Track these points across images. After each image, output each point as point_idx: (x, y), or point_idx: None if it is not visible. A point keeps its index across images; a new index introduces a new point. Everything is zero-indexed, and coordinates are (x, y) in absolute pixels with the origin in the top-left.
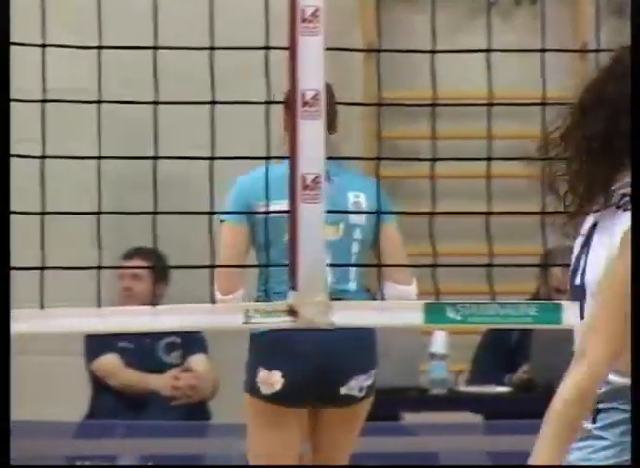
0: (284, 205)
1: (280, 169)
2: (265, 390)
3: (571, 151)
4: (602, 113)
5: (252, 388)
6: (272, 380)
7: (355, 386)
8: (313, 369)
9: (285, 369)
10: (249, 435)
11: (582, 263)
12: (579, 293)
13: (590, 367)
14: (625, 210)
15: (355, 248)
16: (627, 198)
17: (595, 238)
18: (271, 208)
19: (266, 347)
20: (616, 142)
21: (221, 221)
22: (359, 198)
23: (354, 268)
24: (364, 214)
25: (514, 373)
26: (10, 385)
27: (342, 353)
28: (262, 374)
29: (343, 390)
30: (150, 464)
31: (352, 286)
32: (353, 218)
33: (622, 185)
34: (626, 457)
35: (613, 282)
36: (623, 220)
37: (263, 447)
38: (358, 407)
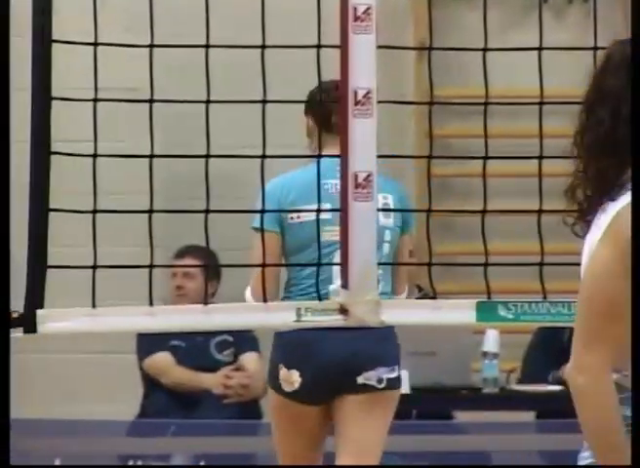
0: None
1: (308, 174)
2: (287, 388)
3: (583, 149)
4: (605, 107)
5: (274, 385)
6: (292, 379)
7: (373, 376)
8: (330, 366)
9: (302, 368)
10: (273, 431)
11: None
12: None
13: (574, 361)
14: (612, 200)
15: (386, 249)
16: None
17: (589, 234)
18: (302, 213)
19: (286, 345)
20: (622, 132)
21: (255, 229)
22: (387, 200)
23: (386, 270)
24: (392, 217)
25: (559, 370)
26: (9, 385)
27: (359, 347)
28: (283, 372)
29: (360, 379)
30: (202, 463)
31: (384, 288)
32: (382, 220)
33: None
34: None
35: (592, 265)
36: (609, 209)
37: (285, 443)
38: (378, 396)
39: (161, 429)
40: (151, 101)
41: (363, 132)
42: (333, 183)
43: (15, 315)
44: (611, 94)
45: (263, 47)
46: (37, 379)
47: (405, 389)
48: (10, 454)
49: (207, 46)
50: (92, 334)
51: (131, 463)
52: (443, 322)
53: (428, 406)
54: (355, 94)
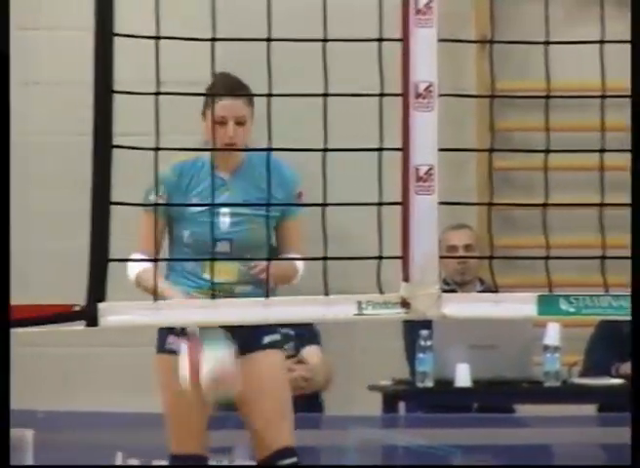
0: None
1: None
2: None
3: None
4: None
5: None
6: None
7: None
8: None
9: None
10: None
11: None
12: None
13: None
14: None
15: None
16: None
17: None
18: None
19: None
20: None
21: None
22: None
23: None
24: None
25: (621, 364)
26: (9, 385)
27: None
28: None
29: None
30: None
31: None
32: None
33: None
34: None
35: None
36: None
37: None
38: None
39: (222, 422)
40: (213, 95)
41: (424, 125)
42: None
43: (76, 308)
44: None
45: (325, 40)
46: (96, 372)
47: (466, 382)
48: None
49: (268, 39)
50: (153, 328)
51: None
52: (504, 315)
53: (489, 399)
54: (416, 87)
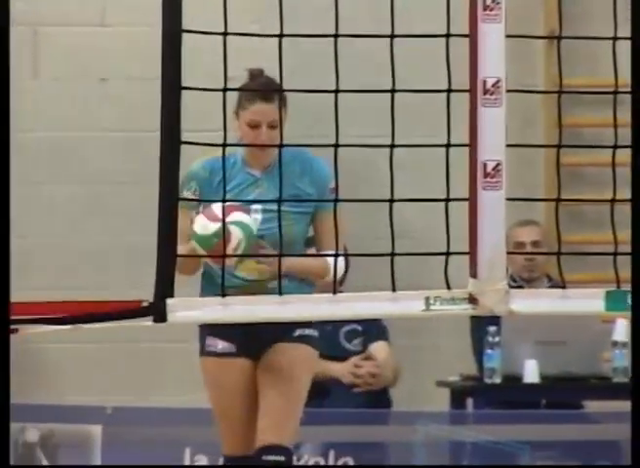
0: None
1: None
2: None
3: None
4: None
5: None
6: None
7: None
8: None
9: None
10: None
11: None
12: None
13: None
14: None
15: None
16: None
17: None
18: None
19: None
20: None
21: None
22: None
23: None
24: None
25: None
26: (10, 386)
27: None
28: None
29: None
30: (332, 452)
31: None
32: None
33: None
34: None
35: None
36: None
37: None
38: None
39: None
40: (281, 91)
41: (492, 121)
42: None
43: (144, 304)
44: None
45: (392, 36)
46: (167, 368)
47: (534, 378)
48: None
49: (336, 35)
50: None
51: None
52: (572, 311)
53: (558, 395)
54: (484, 83)
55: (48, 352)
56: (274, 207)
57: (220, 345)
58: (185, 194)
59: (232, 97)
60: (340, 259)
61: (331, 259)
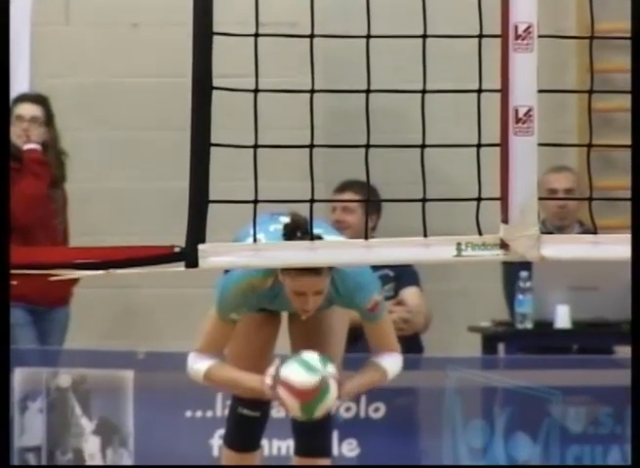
0: None
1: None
2: None
3: None
4: None
5: None
6: None
7: None
8: None
9: None
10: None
11: None
12: None
13: None
14: None
15: None
16: None
17: None
18: None
19: None
20: None
21: None
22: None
23: None
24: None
25: None
26: (10, 386)
27: None
28: None
29: None
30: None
31: None
32: None
33: None
34: None
35: None
36: None
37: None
38: None
39: None
40: (312, 36)
41: (523, 66)
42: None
43: (176, 250)
44: None
45: None
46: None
47: (566, 324)
48: (9, 450)
49: None
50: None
51: None
52: (603, 256)
53: (590, 340)
54: (516, 28)
55: (81, 296)
56: None
57: None
58: (234, 317)
59: (264, 42)
60: (399, 360)
61: (387, 364)
